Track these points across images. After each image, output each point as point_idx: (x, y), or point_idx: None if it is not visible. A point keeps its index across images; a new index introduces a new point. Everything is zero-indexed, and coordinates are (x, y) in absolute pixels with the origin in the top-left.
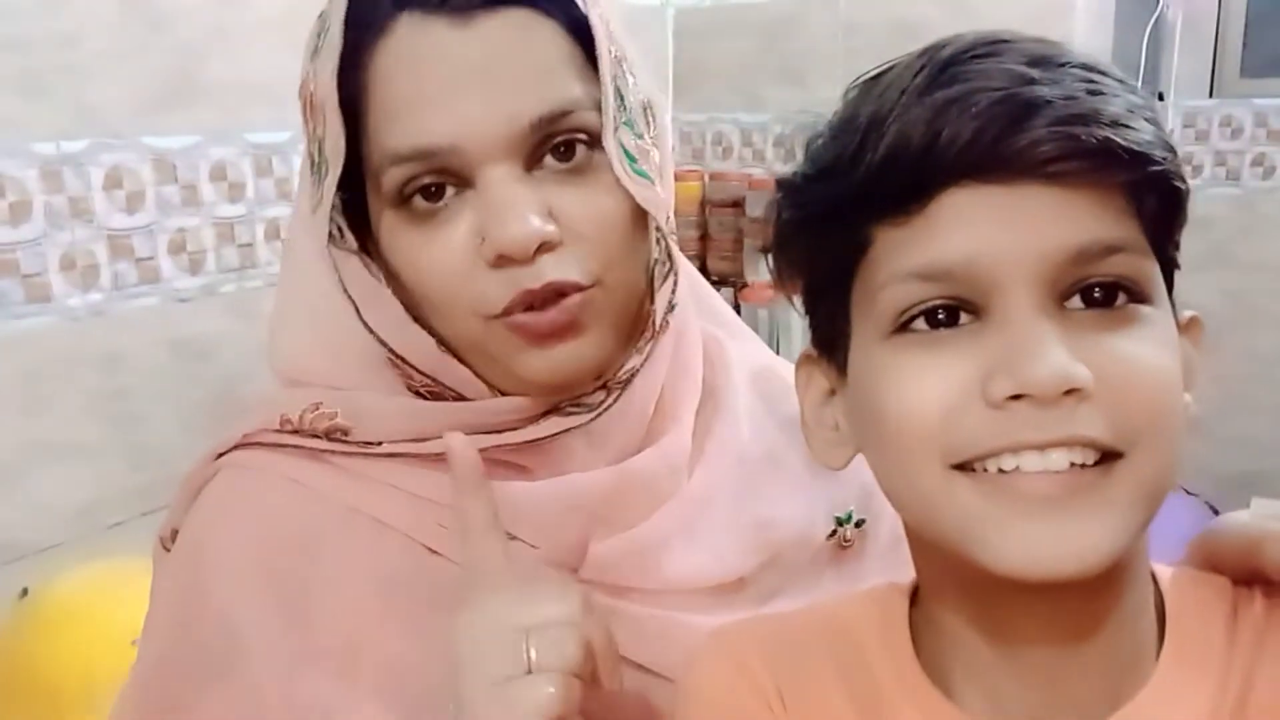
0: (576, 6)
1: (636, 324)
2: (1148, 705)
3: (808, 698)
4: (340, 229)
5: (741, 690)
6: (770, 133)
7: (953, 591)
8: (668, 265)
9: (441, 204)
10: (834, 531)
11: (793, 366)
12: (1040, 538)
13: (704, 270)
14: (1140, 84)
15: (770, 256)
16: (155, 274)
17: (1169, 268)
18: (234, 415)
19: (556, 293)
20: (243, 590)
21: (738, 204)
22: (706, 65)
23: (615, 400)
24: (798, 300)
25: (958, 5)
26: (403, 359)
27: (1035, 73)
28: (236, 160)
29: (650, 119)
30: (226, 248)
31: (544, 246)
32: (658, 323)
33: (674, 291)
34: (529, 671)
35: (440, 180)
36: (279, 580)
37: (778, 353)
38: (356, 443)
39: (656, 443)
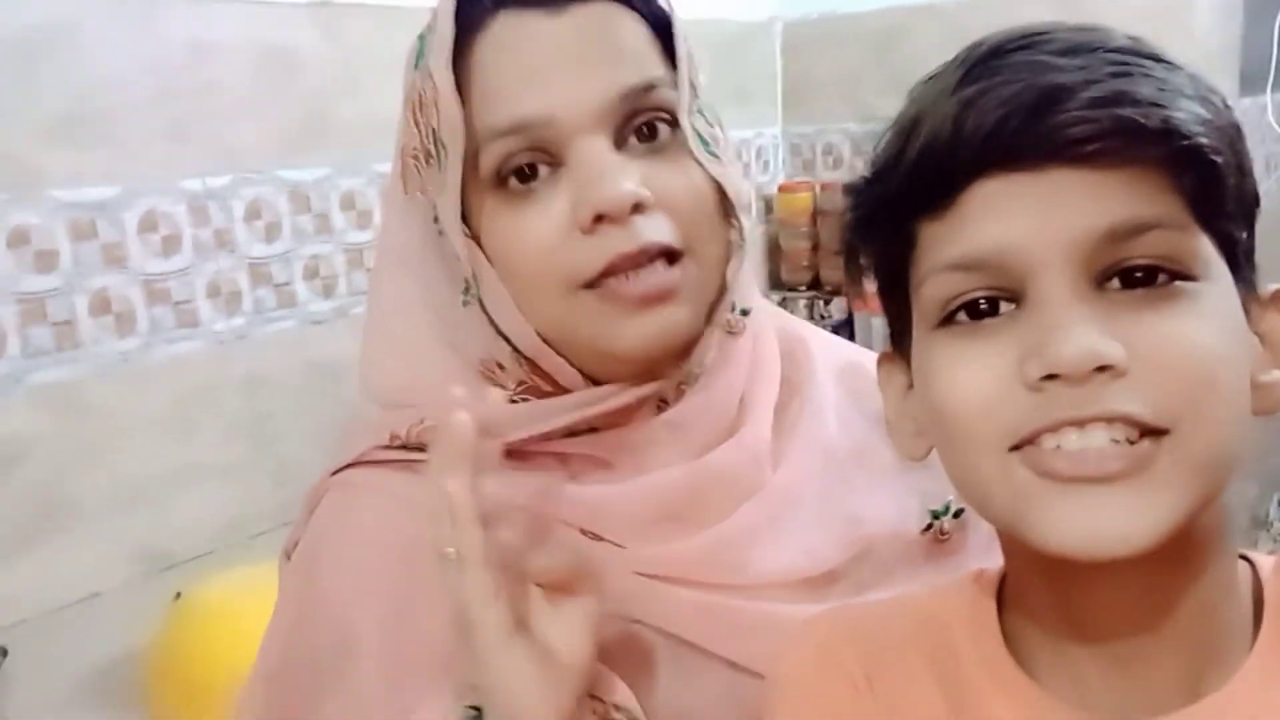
0: (656, 3)
1: (717, 304)
2: (1239, 693)
3: (896, 683)
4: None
5: (827, 674)
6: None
7: (1033, 575)
8: (740, 246)
9: (536, 183)
10: (930, 525)
11: None
12: (1084, 517)
13: (817, 280)
14: (1273, 79)
15: (842, 259)
16: (292, 299)
17: (1231, 242)
18: (347, 435)
19: (650, 258)
20: (352, 599)
21: None
22: (815, 77)
23: (694, 379)
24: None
25: (1071, 6)
26: (509, 343)
27: (1062, 61)
28: (364, 189)
29: (714, 111)
30: (356, 272)
31: (638, 208)
32: (732, 302)
33: (740, 268)
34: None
35: (534, 159)
36: (385, 589)
37: None
38: None
39: (732, 436)
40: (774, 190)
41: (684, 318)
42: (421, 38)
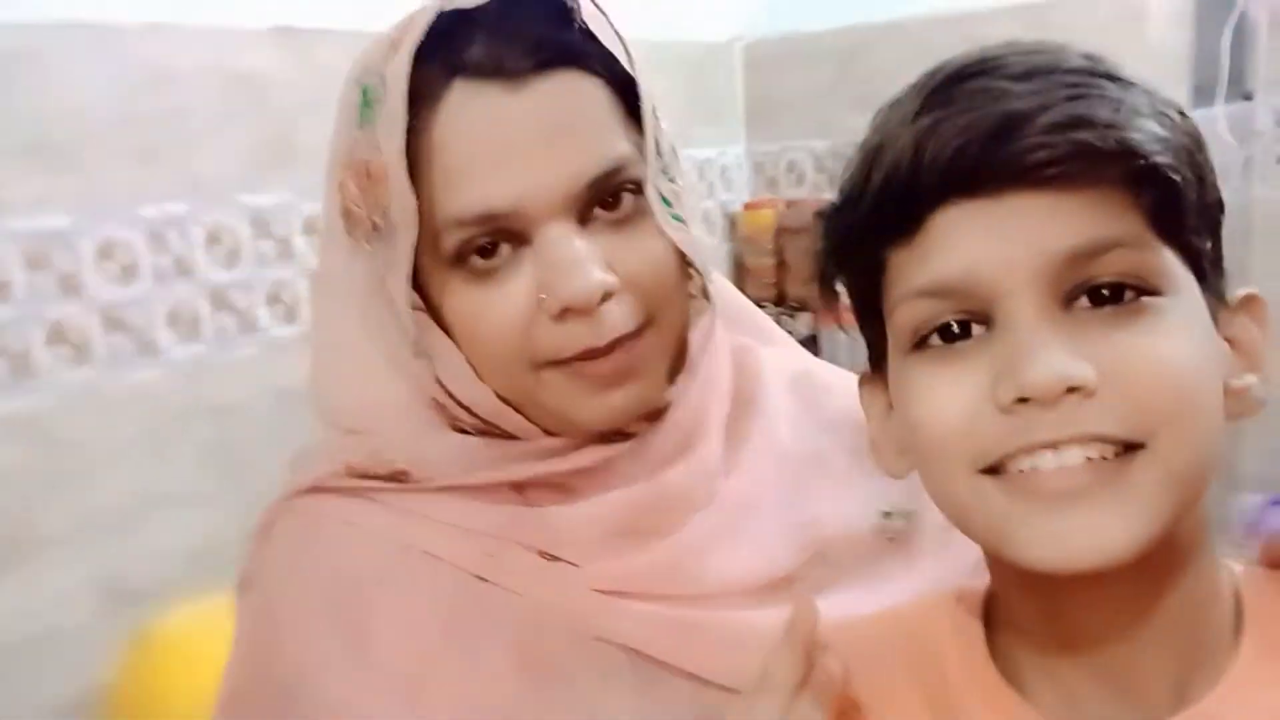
0: (619, 63)
1: (680, 358)
2: (1227, 698)
3: (883, 702)
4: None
5: None
6: (844, 158)
7: (1017, 590)
8: (703, 302)
9: (498, 262)
10: (881, 526)
11: (834, 370)
12: (1061, 532)
13: (781, 296)
14: (1226, 84)
15: (817, 284)
16: (254, 325)
17: (1195, 254)
18: (299, 460)
19: (617, 346)
20: (308, 632)
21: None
22: (778, 96)
23: (654, 426)
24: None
25: (1030, 21)
26: (464, 408)
27: (1018, 86)
28: None
29: (675, 156)
30: None
31: (606, 296)
32: (694, 356)
33: (710, 326)
34: None
35: (496, 239)
36: (341, 621)
37: None
38: (417, 482)
39: (686, 455)
40: (738, 208)
41: (646, 392)
42: (365, 91)
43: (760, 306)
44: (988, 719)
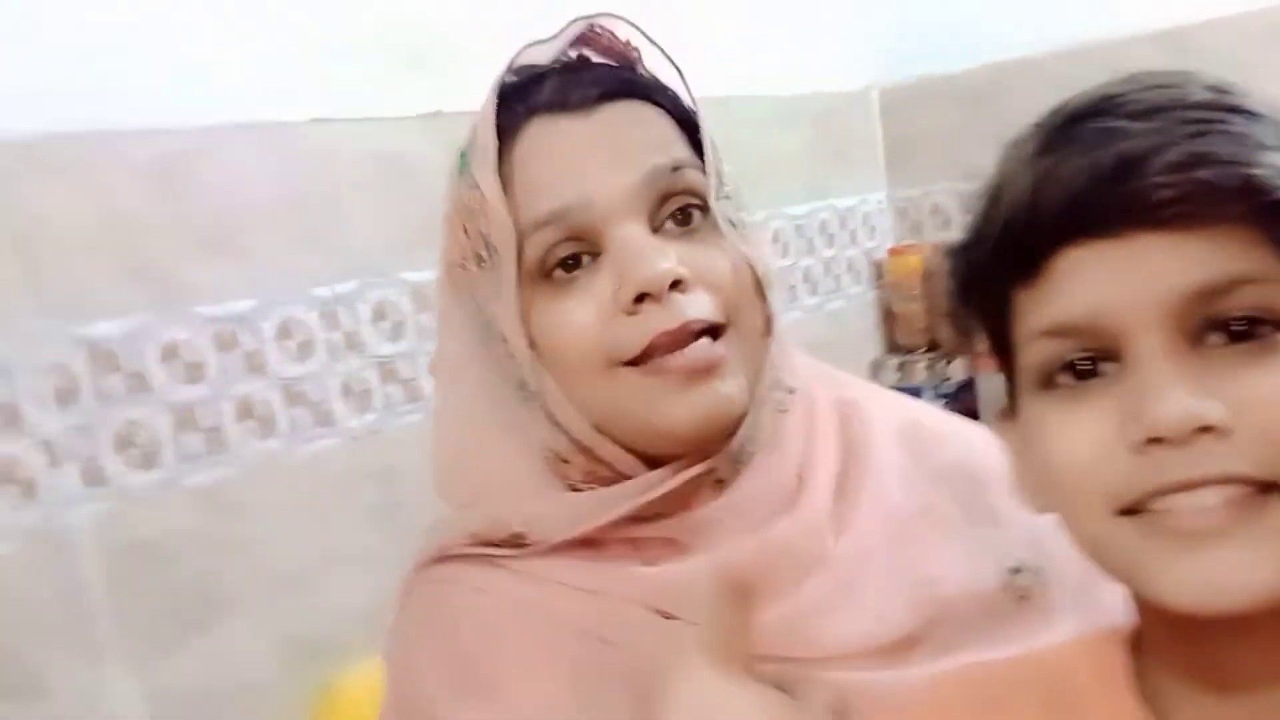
0: (681, 100)
1: (759, 379)
2: None
3: None
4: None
5: None
6: None
7: (1165, 628)
8: (775, 324)
9: (579, 272)
10: (1007, 583)
11: (945, 416)
12: (1199, 571)
13: (933, 342)
14: None
15: (950, 323)
16: (419, 393)
17: None
18: (430, 532)
19: (692, 334)
20: (440, 689)
21: None
22: (916, 140)
23: (749, 456)
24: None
25: (1171, 45)
26: (564, 431)
27: (1137, 125)
28: None
29: (740, 195)
30: None
31: (678, 285)
32: (778, 379)
33: (776, 344)
34: None
35: (576, 249)
36: (470, 677)
37: None
38: (532, 545)
39: (792, 510)
40: (883, 254)
41: (730, 389)
42: (463, 154)
43: (911, 353)
44: None
